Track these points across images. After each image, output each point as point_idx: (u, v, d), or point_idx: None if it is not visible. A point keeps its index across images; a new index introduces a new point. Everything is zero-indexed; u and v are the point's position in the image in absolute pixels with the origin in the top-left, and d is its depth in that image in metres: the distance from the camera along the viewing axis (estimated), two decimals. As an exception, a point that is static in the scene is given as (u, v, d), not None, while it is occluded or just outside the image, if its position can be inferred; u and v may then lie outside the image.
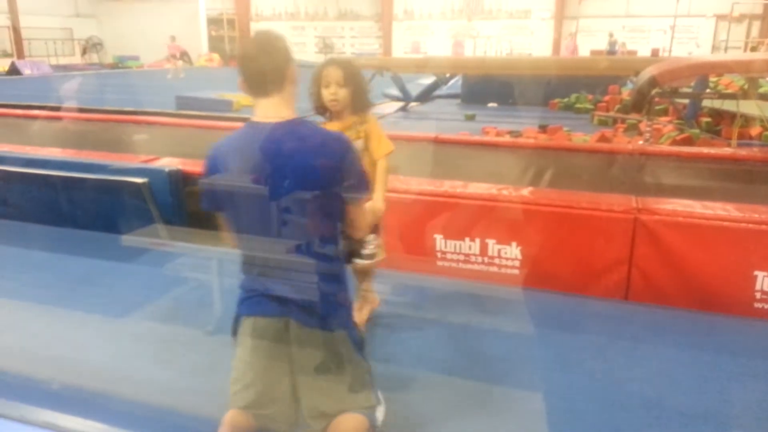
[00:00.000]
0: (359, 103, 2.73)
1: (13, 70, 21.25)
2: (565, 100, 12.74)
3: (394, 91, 12.45)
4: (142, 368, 2.97)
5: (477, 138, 7.27)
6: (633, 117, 9.33)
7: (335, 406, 1.76)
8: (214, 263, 3.35)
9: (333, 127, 2.68)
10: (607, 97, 11.69)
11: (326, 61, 2.77)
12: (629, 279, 3.66)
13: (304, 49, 30.40)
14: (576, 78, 12.42)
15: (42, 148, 5.28)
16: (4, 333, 3.32)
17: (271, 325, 1.77)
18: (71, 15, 28.93)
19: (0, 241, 4.63)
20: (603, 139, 7.87)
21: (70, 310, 3.61)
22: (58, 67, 24.07)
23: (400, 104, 12.50)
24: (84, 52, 26.96)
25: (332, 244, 1.76)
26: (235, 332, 1.86)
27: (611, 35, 22.46)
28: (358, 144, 2.76)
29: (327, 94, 2.66)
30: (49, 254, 4.37)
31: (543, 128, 9.01)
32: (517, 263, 3.95)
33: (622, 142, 7.72)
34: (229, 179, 1.71)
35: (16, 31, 26.26)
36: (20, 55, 25.91)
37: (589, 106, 12.04)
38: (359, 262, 1.94)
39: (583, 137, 8.10)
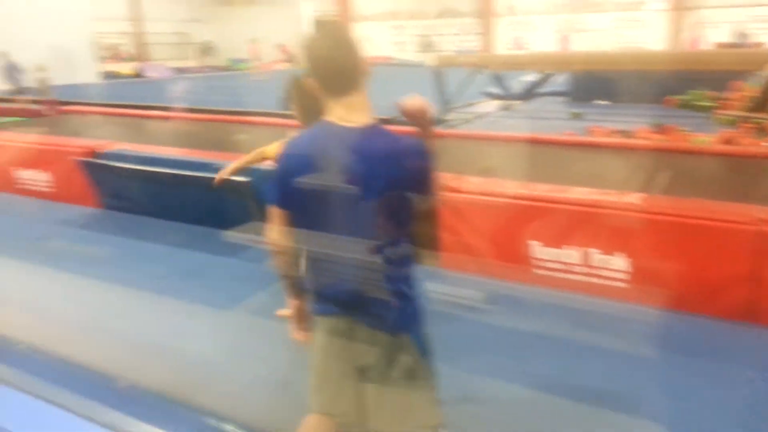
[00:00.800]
0: None
1: (139, 73, 23.04)
2: (683, 97, 11.89)
3: (495, 89, 12.19)
4: (240, 361, 3.09)
5: (581, 138, 6.91)
6: (761, 116, 8.53)
7: (398, 425, 1.72)
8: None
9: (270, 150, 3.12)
10: (731, 94, 10.78)
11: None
12: (755, 299, 3.32)
13: (405, 49, 30.53)
14: (694, 73, 11.51)
15: (156, 147, 5.65)
16: (118, 319, 3.56)
17: (340, 326, 1.75)
18: (188, 20, 30.84)
19: (118, 233, 5.02)
20: (726, 140, 7.27)
21: (178, 301, 3.82)
22: (176, 70, 25.71)
23: (502, 103, 12.22)
24: (196, 59, 28.55)
25: (406, 246, 1.73)
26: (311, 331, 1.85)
27: (738, 26, 20.70)
28: None
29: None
30: (161, 246, 4.66)
31: (658, 128, 8.45)
32: (622, 275, 3.72)
33: (749, 144, 7.08)
34: (306, 179, 1.65)
35: (140, 37, 28.42)
36: (145, 59, 28.00)
37: (709, 103, 11.13)
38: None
39: (704, 138, 7.52)
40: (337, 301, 1.74)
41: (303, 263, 1.81)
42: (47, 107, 10.71)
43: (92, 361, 3.02)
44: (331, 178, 1.62)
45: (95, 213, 5.52)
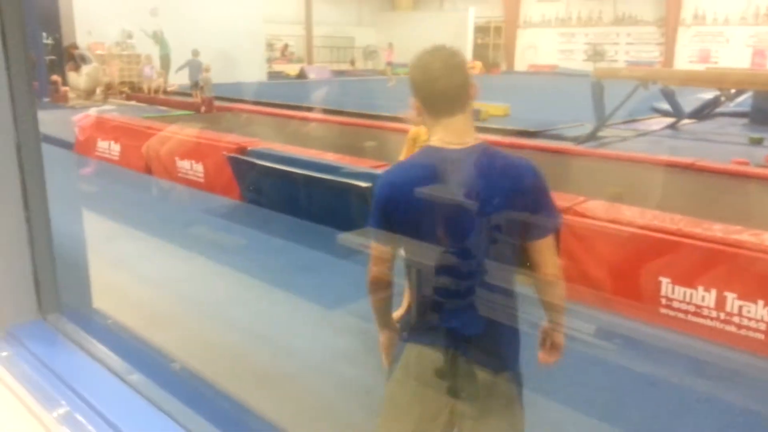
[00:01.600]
0: None
1: (302, 74, 24.52)
2: None
3: (665, 106, 11.21)
4: (336, 361, 3.18)
5: (743, 168, 6.09)
6: None
7: None
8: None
9: (421, 131, 3.25)
10: None
11: None
12: None
13: (572, 57, 29.24)
14: None
15: (291, 147, 5.98)
16: (235, 306, 3.84)
17: (438, 357, 1.65)
18: (355, 24, 32.21)
19: (248, 224, 5.41)
20: None
21: (290, 294, 4.05)
22: (336, 72, 26.99)
23: (670, 121, 11.22)
24: (352, 63, 29.49)
25: (511, 282, 1.63)
26: (396, 362, 1.74)
27: None
28: None
29: None
30: (284, 241, 4.94)
31: None
32: (763, 326, 3.24)
33: None
34: (414, 205, 1.58)
35: (309, 39, 30.25)
36: (310, 60, 29.67)
37: None
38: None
39: None
40: (442, 330, 1.64)
41: (409, 290, 1.73)
42: (205, 104, 11.96)
43: (187, 341, 3.29)
44: (440, 203, 1.56)
45: (236, 205, 5.99)
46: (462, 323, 1.61)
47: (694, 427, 2.64)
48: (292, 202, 5.24)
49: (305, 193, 5.05)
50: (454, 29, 28.57)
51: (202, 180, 6.56)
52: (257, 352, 3.29)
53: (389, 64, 20.76)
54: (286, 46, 29.37)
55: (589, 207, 3.92)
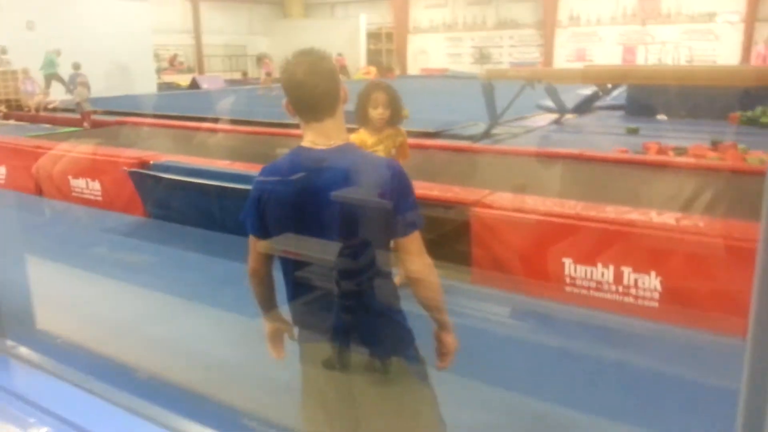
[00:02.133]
0: (395, 119, 3.44)
1: (193, 85, 23.70)
2: (748, 113, 11.36)
3: (549, 103, 11.98)
4: (268, 369, 3.16)
5: (626, 156, 6.70)
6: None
7: None
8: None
9: (372, 137, 3.40)
10: (800, 110, 10.25)
11: (372, 85, 3.39)
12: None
13: (460, 60, 30.40)
14: (763, 88, 10.97)
15: (199, 159, 5.86)
16: (154, 325, 3.71)
17: (326, 354, 1.70)
18: (246, 33, 31.70)
19: (160, 241, 5.23)
20: (786, 158, 6.89)
21: (211, 308, 3.95)
22: (230, 82, 26.28)
23: (555, 116, 12.00)
24: (244, 72, 28.89)
25: (384, 270, 1.68)
26: (300, 358, 1.81)
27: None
28: (392, 151, 3.50)
29: (375, 113, 3.31)
30: (199, 255, 4.82)
31: (715, 145, 8.11)
32: (656, 295, 3.59)
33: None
34: (282, 204, 1.65)
35: (198, 49, 29.42)
36: (201, 70, 28.76)
37: (777, 120, 10.62)
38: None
39: (761, 157, 7.16)
40: (322, 327, 1.72)
41: (287, 289, 1.77)
42: (84, 119, 11.43)
43: (118, 357, 3.16)
44: (303, 201, 1.61)
45: (140, 222, 5.77)
46: (336, 318, 1.66)
47: (606, 390, 2.89)
48: (203, 214, 5.12)
49: (218, 204, 4.96)
50: (347, 36, 28.82)
51: (99, 198, 6.26)
52: (188, 367, 3.22)
53: (268, 74, 20.44)
54: (175, 56, 28.33)
55: (495, 199, 4.16)
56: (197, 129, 9.48)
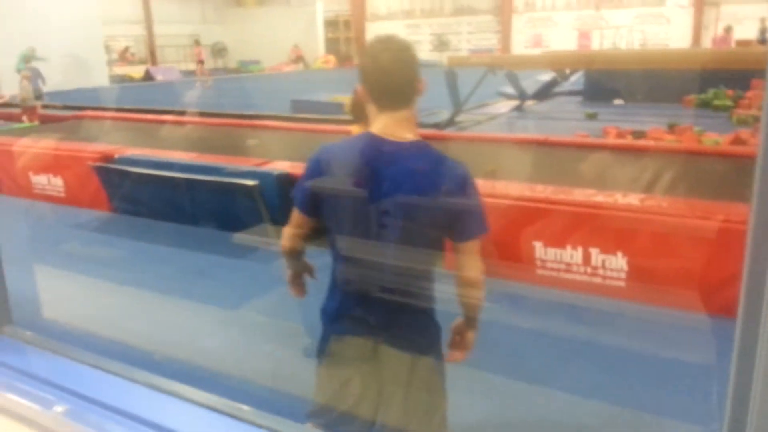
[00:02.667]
0: None
1: (147, 76, 23.18)
2: (702, 96, 11.74)
3: (510, 90, 12.15)
4: (248, 355, 3.18)
5: (588, 140, 6.90)
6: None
7: None
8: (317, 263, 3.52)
9: (360, 128, 3.16)
10: (749, 93, 10.63)
11: None
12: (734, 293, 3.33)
13: (419, 47, 30.46)
14: (719, 71, 11.29)
15: (166, 152, 5.78)
16: (132, 319, 3.67)
17: (358, 345, 1.70)
18: (199, 22, 31.01)
19: (130, 236, 5.16)
20: (738, 141, 7.17)
21: (187, 300, 3.93)
22: (186, 73, 25.70)
23: (516, 103, 12.19)
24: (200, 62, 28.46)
25: (431, 270, 1.69)
26: (321, 352, 1.79)
27: (763, 21, 20.10)
28: None
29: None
30: (171, 249, 4.77)
31: (672, 128, 8.39)
32: (623, 275, 3.74)
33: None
34: (345, 189, 1.60)
35: (150, 39, 28.70)
36: (154, 61, 28.05)
37: (728, 103, 10.99)
38: None
39: (716, 139, 7.45)
40: (362, 319, 1.68)
41: (331, 276, 1.75)
42: (27, 113, 11.14)
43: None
44: (374, 192, 1.57)
45: (107, 217, 5.67)
46: (380, 313, 1.65)
47: (579, 367, 3.01)
48: (172, 207, 5.07)
49: (187, 197, 4.92)
50: (304, 24, 28.51)
51: (62, 194, 6.11)
52: (169, 357, 3.20)
53: (200, 62, 20.00)
54: (126, 48, 27.53)
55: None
56: (158, 122, 9.31)
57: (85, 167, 5.58)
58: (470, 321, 1.74)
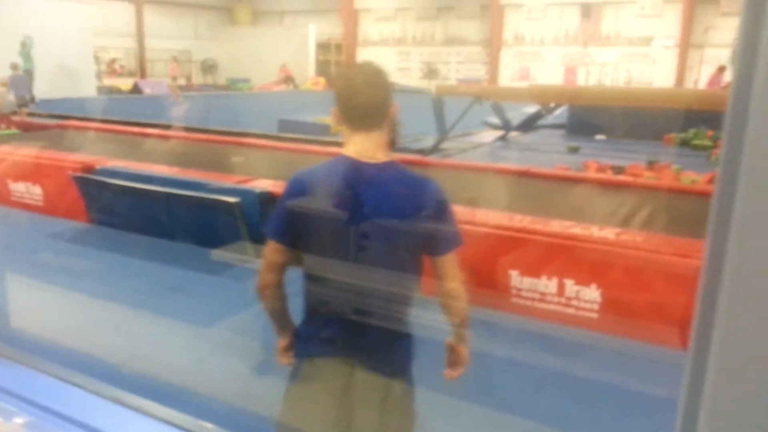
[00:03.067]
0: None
1: (136, 89, 23.11)
2: (682, 135, 11.99)
3: (495, 120, 12.33)
4: (217, 374, 3.15)
5: (569, 173, 7.02)
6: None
7: None
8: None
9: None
10: (727, 134, 10.88)
11: None
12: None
13: (409, 75, 30.83)
14: (696, 112, 11.56)
15: (148, 165, 5.76)
16: (104, 333, 3.62)
17: (336, 369, 1.67)
18: (192, 38, 31.16)
19: (106, 248, 5.12)
20: (714, 180, 7.31)
21: (161, 316, 3.89)
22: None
23: (500, 133, 12.35)
24: (188, 78, 28.17)
25: (411, 291, 1.70)
26: (294, 375, 1.75)
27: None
28: None
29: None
30: (147, 263, 4.74)
31: (651, 165, 8.55)
32: (596, 306, 3.78)
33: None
34: (323, 212, 1.62)
35: (141, 52, 28.76)
36: (143, 75, 28.02)
37: (708, 143, 11.22)
38: None
39: (693, 177, 7.59)
40: (337, 342, 1.68)
41: (304, 300, 1.73)
42: (5, 122, 11.14)
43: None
44: (350, 214, 1.59)
45: (84, 228, 5.62)
46: (356, 336, 1.66)
47: (550, 397, 3.03)
48: (150, 221, 5.04)
49: (166, 211, 4.90)
50: (296, 46, 28.74)
51: (41, 203, 6.05)
52: (137, 372, 3.16)
53: (174, 78, 20.01)
54: (113, 59, 27.50)
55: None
56: (142, 134, 9.29)
57: (64, 177, 5.54)
58: (460, 335, 1.75)
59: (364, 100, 1.62)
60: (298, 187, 1.66)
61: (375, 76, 1.65)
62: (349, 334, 1.66)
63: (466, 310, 1.71)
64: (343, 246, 1.62)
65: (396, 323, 1.70)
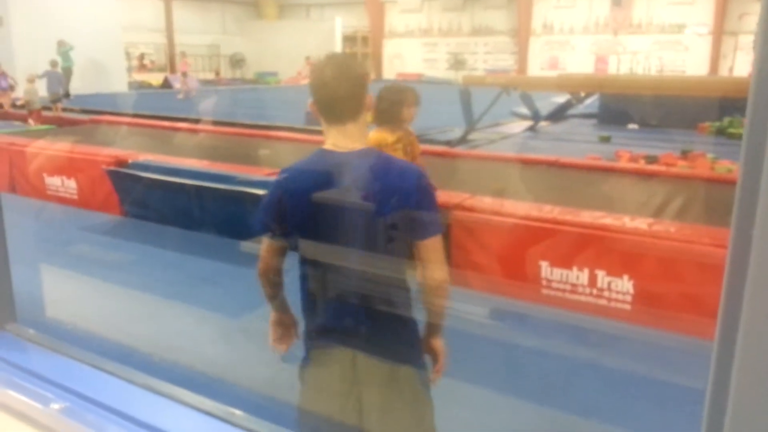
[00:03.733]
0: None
1: (166, 84, 23.37)
2: (717, 123, 11.72)
3: (524, 110, 12.20)
4: (249, 365, 3.19)
5: (599, 163, 6.90)
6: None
7: None
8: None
9: (392, 136, 3.38)
10: (765, 121, 10.61)
11: (401, 86, 3.44)
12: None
13: (436, 66, 30.67)
14: (732, 100, 11.29)
15: (180, 159, 5.85)
16: (138, 323, 3.70)
17: (338, 359, 1.69)
18: (220, 32, 31.45)
19: (139, 240, 5.21)
20: (751, 168, 7.12)
21: (193, 306, 3.96)
22: (205, 82, 25.88)
23: (529, 123, 12.21)
24: (217, 73, 28.43)
25: (403, 277, 1.69)
26: (304, 368, 1.77)
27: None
28: (408, 150, 3.58)
29: (409, 113, 3.38)
30: (179, 254, 4.82)
31: (685, 154, 8.37)
32: (629, 298, 3.71)
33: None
34: (303, 206, 1.63)
35: (170, 47, 29.14)
36: (173, 70, 28.17)
37: (743, 131, 10.95)
38: None
39: (729, 166, 7.41)
40: (339, 331, 1.70)
41: (303, 290, 1.75)
42: (33, 117, 11.36)
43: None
44: (327, 203, 1.61)
45: (118, 221, 5.74)
46: (355, 322, 1.66)
47: (581, 389, 2.99)
48: (182, 214, 5.12)
49: (197, 204, 4.97)
50: (322, 38, 28.77)
51: (75, 196, 6.19)
52: (159, 362, 3.22)
53: (184, 74, 20.05)
54: (142, 54, 27.91)
55: (475, 202, 4.25)
56: (173, 129, 9.43)
57: (98, 171, 5.65)
58: (432, 327, 1.74)
59: (332, 92, 1.61)
60: (281, 184, 1.69)
61: (342, 68, 1.62)
62: (351, 323, 1.68)
63: (446, 300, 1.70)
64: (331, 236, 1.64)
65: (397, 308, 1.70)
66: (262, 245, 1.75)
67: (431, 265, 1.64)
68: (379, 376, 1.68)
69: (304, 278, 1.72)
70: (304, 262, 1.71)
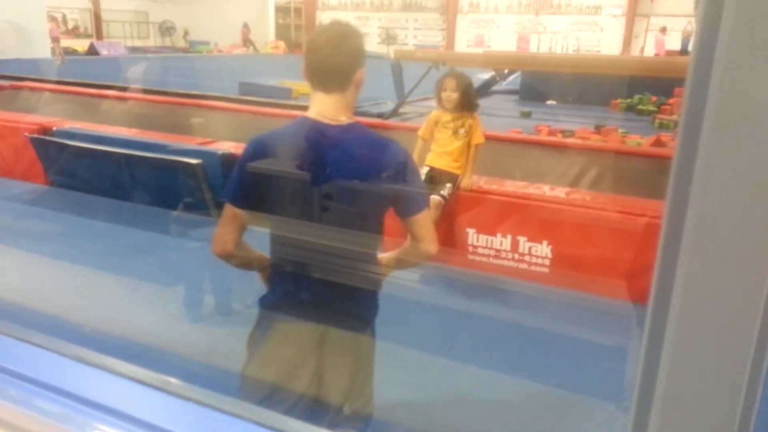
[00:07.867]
0: (466, 104, 3.97)
1: (92, 51, 22.23)
2: (628, 100, 12.43)
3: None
4: (184, 332, 3.23)
5: (521, 136, 7.27)
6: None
7: (343, 407, 1.76)
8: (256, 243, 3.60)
9: (447, 115, 3.94)
10: (671, 100, 11.35)
11: (447, 73, 4.00)
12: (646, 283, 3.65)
13: (368, 40, 30.47)
14: (641, 79, 12.00)
15: (107, 127, 5.68)
16: (68, 295, 3.64)
17: (296, 328, 1.70)
18: (148, -1, 29.97)
19: (67, 210, 5.07)
20: (659, 143, 7.71)
21: (125, 277, 3.92)
22: (132, 49, 24.84)
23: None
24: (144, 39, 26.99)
25: (374, 250, 1.73)
26: (260, 333, 1.76)
27: (685, 32, 21.26)
28: (461, 132, 3.96)
29: (444, 95, 3.88)
30: (109, 225, 4.73)
31: (598, 129, 8.89)
32: (547, 261, 4.02)
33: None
34: (284, 174, 1.61)
35: (96, 13, 27.51)
36: (99, 36, 26.88)
37: (651, 108, 11.69)
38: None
39: (638, 140, 7.95)
40: (301, 302, 1.70)
41: (270, 261, 1.75)
42: None
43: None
44: (310, 175, 1.58)
45: (42, 190, 5.54)
46: (318, 294, 1.68)
47: (505, 348, 3.22)
48: (110, 183, 5.01)
49: (127, 173, 4.88)
50: (255, 9, 28.03)
51: (-3, 165, 5.91)
52: (106, 334, 3.21)
53: (55, 39, 19.19)
54: (64, 16, 26.20)
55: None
56: (99, 96, 9.06)
57: (21, 138, 5.41)
58: (392, 260, 1.78)
59: (322, 58, 1.60)
60: (257, 150, 1.63)
61: (340, 37, 1.62)
62: (314, 294, 1.69)
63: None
64: (306, 207, 1.64)
65: (360, 280, 1.71)
66: (223, 218, 1.66)
67: (424, 239, 1.66)
68: (337, 343, 1.70)
69: (272, 246, 1.71)
70: (274, 230, 1.69)
